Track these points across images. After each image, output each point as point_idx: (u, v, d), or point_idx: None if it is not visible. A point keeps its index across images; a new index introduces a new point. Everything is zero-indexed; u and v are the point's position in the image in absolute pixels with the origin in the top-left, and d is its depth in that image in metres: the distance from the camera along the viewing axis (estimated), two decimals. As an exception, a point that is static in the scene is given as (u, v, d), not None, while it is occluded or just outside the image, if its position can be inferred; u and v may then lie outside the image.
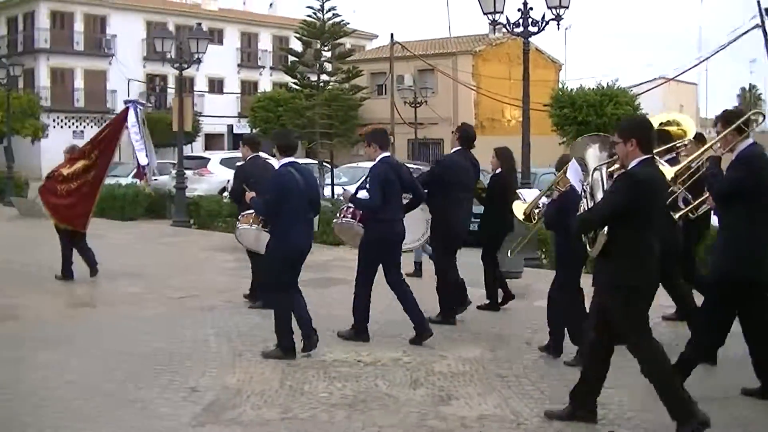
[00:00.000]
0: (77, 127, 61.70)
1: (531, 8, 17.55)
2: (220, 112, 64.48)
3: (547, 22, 17.43)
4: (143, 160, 14.66)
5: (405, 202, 10.41)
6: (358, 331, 10.15)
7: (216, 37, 67.99)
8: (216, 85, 69.20)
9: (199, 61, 27.89)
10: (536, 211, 9.99)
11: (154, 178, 20.87)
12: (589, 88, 35.33)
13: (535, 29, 17.67)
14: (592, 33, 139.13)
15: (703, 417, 6.61)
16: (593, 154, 7.46)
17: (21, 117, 48.63)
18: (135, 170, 17.78)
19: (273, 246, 9.58)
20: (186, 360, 9.34)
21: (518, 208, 10.12)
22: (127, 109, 14.60)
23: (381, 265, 10.15)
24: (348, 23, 47.71)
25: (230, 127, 67.49)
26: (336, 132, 36.50)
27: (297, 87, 50.57)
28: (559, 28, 18.21)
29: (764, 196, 7.80)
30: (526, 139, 17.58)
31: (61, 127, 60.14)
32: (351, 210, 10.56)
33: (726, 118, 8.22)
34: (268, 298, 10.45)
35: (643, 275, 6.80)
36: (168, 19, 61.72)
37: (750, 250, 7.80)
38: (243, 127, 63.50)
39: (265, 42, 71.62)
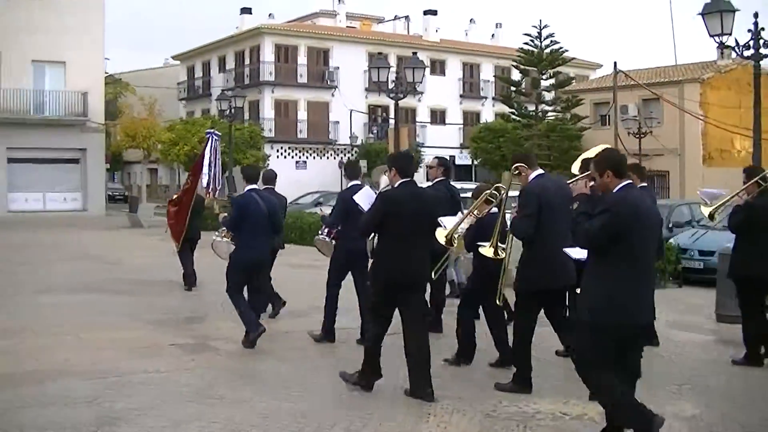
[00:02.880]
0: (299, 157, 62.58)
1: (762, 28, 15.89)
2: (442, 143, 63.97)
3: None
4: (203, 182, 15.44)
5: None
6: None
7: (438, 68, 68.00)
8: (438, 116, 68.91)
9: (415, 90, 27.21)
10: (456, 235, 10.27)
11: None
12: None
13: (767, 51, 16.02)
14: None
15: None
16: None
17: (243, 147, 49.61)
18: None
19: (234, 255, 11.77)
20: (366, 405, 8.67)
21: (440, 234, 10.11)
22: (208, 139, 15.98)
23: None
24: (567, 50, 46.38)
25: (452, 158, 66.87)
26: (555, 163, 34.92)
27: (516, 117, 49.65)
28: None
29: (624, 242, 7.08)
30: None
31: (284, 157, 61.07)
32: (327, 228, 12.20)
33: None
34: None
35: None
36: (390, 51, 61.82)
37: None
38: (465, 158, 62.96)
39: (487, 72, 70.87)
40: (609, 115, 49.46)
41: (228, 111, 41.38)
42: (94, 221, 42.21)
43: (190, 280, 17.10)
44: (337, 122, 64.12)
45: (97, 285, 17.77)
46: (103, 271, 20.55)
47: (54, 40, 46.83)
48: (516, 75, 53.58)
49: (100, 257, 23.84)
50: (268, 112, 62.29)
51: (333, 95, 64.27)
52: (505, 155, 48.02)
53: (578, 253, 7.70)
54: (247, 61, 65.25)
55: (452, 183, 12.95)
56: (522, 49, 49.83)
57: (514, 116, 50.68)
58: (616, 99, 45.50)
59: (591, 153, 10.85)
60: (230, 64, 67.45)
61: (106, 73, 60.25)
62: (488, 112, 69.70)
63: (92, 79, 48.67)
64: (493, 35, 78.81)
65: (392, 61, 53.94)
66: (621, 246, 7.01)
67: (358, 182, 11.51)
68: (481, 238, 10.03)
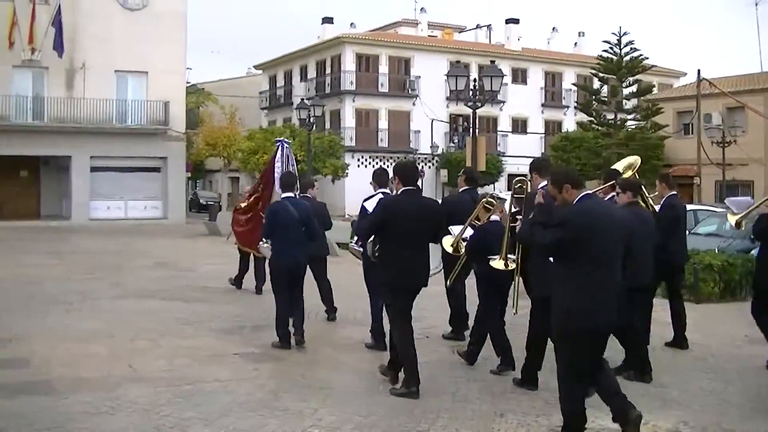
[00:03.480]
0: (380, 166, 62.15)
1: None
2: (523, 152, 63.33)
3: None
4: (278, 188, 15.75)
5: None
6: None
7: (519, 76, 67.59)
8: (520, 125, 68.45)
9: (495, 98, 26.84)
10: (462, 243, 10.76)
11: None
12: None
13: None
14: None
15: None
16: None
17: (322, 156, 49.62)
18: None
19: (270, 261, 12.55)
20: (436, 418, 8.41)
21: (447, 242, 10.72)
22: (278, 147, 16.68)
23: None
24: (647, 58, 45.53)
25: (533, 168, 66.16)
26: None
27: (595, 126, 48.89)
28: None
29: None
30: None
31: (365, 166, 60.97)
32: None
33: None
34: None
35: None
36: (471, 60, 61.49)
37: None
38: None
39: (569, 81, 70.07)
40: (692, 124, 48.55)
41: (307, 120, 41.36)
42: (174, 229, 42.48)
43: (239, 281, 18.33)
44: (418, 131, 63.98)
45: (169, 292, 17.85)
46: (176, 278, 20.63)
47: (136, 50, 47.44)
48: (596, 83, 52.81)
49: (175, 264, 23.93)
50: (349, 121, 62.39)
51: (414, 104, 64.17)
52: (585, 164, 47.33)
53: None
54: (328, 71, 65.45)
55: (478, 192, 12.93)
56: (601, 56, 49.09)
57: (593, 125, 49.95)
58: (699, 107, 44.66)
59: (619, 165, 11.65)
60: (312, 73, 67.73)
61: (188, 82, 60.80)
62: (570, 121, 68.98)
63: (174, 88, 49.18)
64: (575, 44, 78.09)
65: (474, 70, 53.58)
66: (580, 255, 7.27)
67: (387, 190, 11.23)
68: (482, 246, 10.26)
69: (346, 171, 54.44)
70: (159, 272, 22.14)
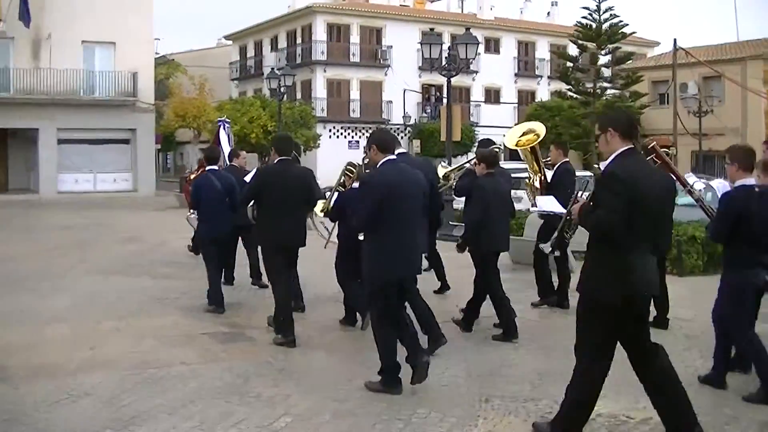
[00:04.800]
0: (353, 137, 61.77)
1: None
2: (497, 122, 62.85)
3: None
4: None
5: None
6: None
7: (492, 46, 67.13)
8: (493, 95, 67.95)
9: (468, 68, 26.34)
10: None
11: None
12: None
13: None
14: None
15: None
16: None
17: (294, 127, 49.01)
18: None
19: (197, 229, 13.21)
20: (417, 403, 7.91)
21: (318, 207, 11.24)
22: (219, 127, 17.35)
23: None
24: (627, 24, 45.06)
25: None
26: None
27: (573, 95, 48.38)
28: None
29: None
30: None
31: (337, 137, 60.43)
32: None
33: None
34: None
35: None
36: (443, 29, 60.76)
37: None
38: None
39: (543, 51, 69.73)
40: (668, 94, 48.23)
41: (278, 90, 40.75)
42: (144, 202, 41.94)
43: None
44: (390, 102, 63.34)
45: (138, 268, 17.34)
46: (145, 253, 20.09)
47: (103, 20, 46.60)
48: (574, 51, 52.27)
49: (144, 239, 23.32)
50: (320, 91, 61.64)
51: (386, 74, 63.50)
52: (561, 134, 46.90)
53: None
54: (299, 41, 64.61)
55: (502, 168, 12.07)
56: (580, 23, 48.53)
57: (571, 93, 49.45)
58: (676, 77, 44.34)
59: (518, 129, 12.20)
60: (282, 43, 66.89)
61: (157, 53, 59.89)
62: (544, 91, 68.60)
63: (142, 59, 48.37)
64: (548, 13, 77.58)
65: (446, 40, 52.93)
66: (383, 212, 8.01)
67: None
68: (343, 208, 10.71)
69: (318, 142, 53.79)
70: (128, 247, 21.57)
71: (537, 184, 12.50)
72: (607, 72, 49.02)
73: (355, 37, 63.22)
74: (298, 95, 61.15)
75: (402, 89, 61.86)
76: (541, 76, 69.74)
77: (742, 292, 8.22)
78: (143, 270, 17.03)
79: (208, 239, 12.76)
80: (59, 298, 13.54)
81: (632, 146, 6.42)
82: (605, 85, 48.46)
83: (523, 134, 11.88)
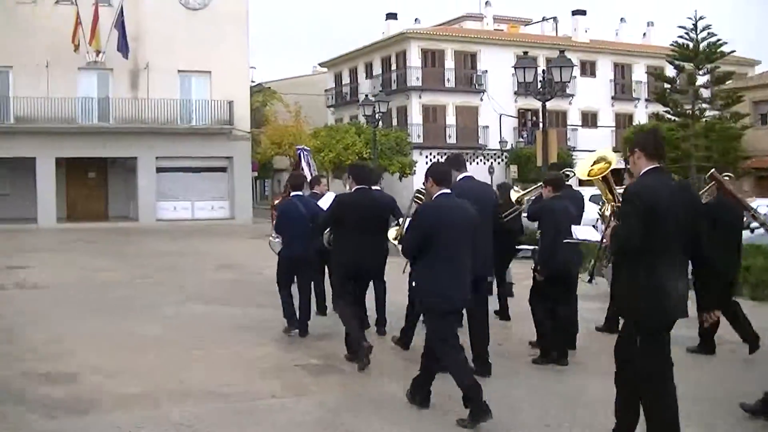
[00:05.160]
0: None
1: None
2: (594, 146, 61.92)
3: None
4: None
5: None
6: None
7: (588, 69, 66.41)
8: (590, 119, 67.10)
9: (564, 91, 25.98)
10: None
11: None
12: None
13: None
14: None
15: None
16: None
17: (390, 154, 48.96)
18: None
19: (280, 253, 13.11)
20: None
21: (391, 234, 11.23)
22: (299, 155, 17.55)
23: None
24: (725, 43, 43.97)
25: (603, 162, 64.60)
26: (714, 165, 32.80)
27: (671, 117, 47.32)
28: None
29: None
30: None
31: (433, 163, 60.15)
32: None
33: None
34: None
35: None
36: (538, 53, 60.23)
37: None
38: (618, 162, 60.59)
39: (639, 72, 68.66)
40: (770, 114, 47.07)
41: (372, 116, 40.73)
42: (242, 229, 42.11)
43: None
44: (487, 127, 62.96)
45: (232, 296, 17.35)
46: (240, 281, 20.05)
47: (199, 50, 47.37)
48: (671, 73, 51.24)
49: (240, 267, 23.33)
50: (415, 117, 61.56)
51: (481, 99, 63.12)
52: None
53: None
54: (393, 67, 64.66)
55: (574, 191, 12.72)
56: (676, 43, 47.50)
57: (669, 116, 48.35)
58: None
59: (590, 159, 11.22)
60: (377, 69, 66.99)
61: (253, 81, 60.40)
62: (641, 113, 67.46)
63: (238, 87, 48.95)
64: (644, 34, 76.33)
65: (542, 63, 52.50)
66: (431, 244, 8.22)
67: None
68: None
69: (414, 168, 53.64)
70: (223, 275, 21.64)
71: (608, 212, 12.21)
72: (706, 93, 47.87)
73: (449, 63, 63.04)
74: (394, 122, 61.16)
75: (498, 114, 61.40)
76: (639, 99, 68.64)
77: None
78: (238, 298, 17.00)
79: (286, 263, 12.93)
80: (151, 326, 13.57)
81: (657, 165, 6.75)
82: (704, 106, 47.25)
83: (594, 163, 11.70)
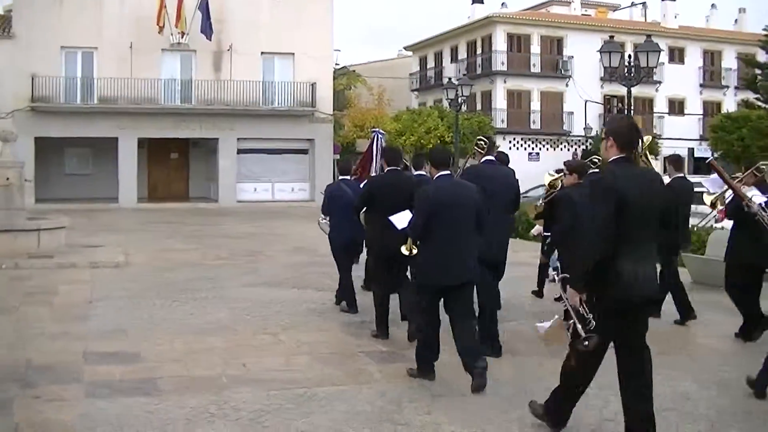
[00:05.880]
0: (533, 149, 60.89)
1: None
2: (680, 134, 60.93)
3: None
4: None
5: None
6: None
7: (676, 56, 65.17)
8: (677, 106, 65.75)
9: (651, 77, 25.31)
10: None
11: None
12: None
13: None
14: None
15: None
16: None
17: (471, 137, 48.46)
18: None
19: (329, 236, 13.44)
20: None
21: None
22: (373, 138, 16.87)
23: None
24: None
25: (691, 150, 63.46)
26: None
27: (761, 104, 46.06)
28: None
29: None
30: None
31: (517, 149, 59.49)
32: None
33: None
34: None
35: None
36: (626, 39, 59.07)
37: None
38: (704, 151, 59.71)
39: (729, 60, 67.10)
40: None
41: (456, 100, 40.35)
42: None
43: None
44: (572, 113, 62.05)
45: (303, 279, 17.17)
46: (313, 264, 19.68)
47: (282, 32, 47.60)
48: (763, 59, 49.85)
49: (314, 250, 23.08)
50: (500, 102, 60.90)
51: (567, 85, 62.29)
52: (748, 146, 44.58)
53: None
54: (479, 51, 64.00)
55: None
56: (769, 27, 46.18)
57: (759, 103, 47.02)
58: None
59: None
60: (462, 54, 66.40)
61: (337, 64, 60.37)
62: (730, 102, 65.93)
63: (321, 70, 49.00)
64: (735, 21, 74.72)
65: (629, 49, 51.49)
66: (432, 222, 8.58)
67: (423, 173, 12.13)
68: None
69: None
70: (296, 258, 21.48)
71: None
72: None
73: (535, 48, 62.24)
74: (478, 106, 60.68)
75: (583, 100, 60.49)
76: (728, 87, 67.11)
77: None
78: (308, 282, 16.81)
79: (338, 246, 13.24)
80: (219, 309, 13.44)
81: (624, 156, 6.71)
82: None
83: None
